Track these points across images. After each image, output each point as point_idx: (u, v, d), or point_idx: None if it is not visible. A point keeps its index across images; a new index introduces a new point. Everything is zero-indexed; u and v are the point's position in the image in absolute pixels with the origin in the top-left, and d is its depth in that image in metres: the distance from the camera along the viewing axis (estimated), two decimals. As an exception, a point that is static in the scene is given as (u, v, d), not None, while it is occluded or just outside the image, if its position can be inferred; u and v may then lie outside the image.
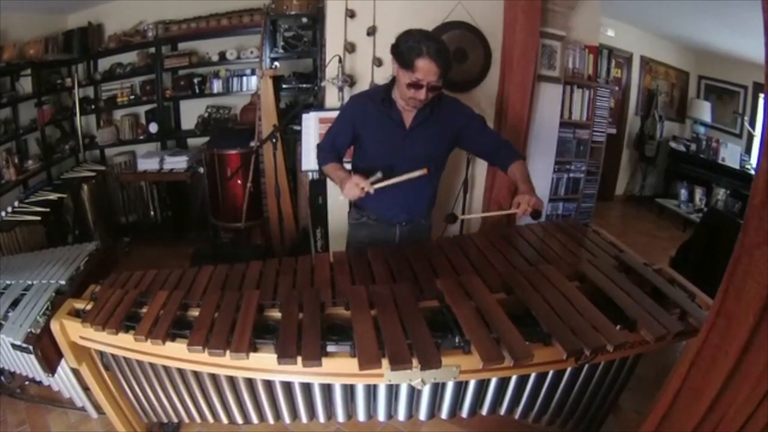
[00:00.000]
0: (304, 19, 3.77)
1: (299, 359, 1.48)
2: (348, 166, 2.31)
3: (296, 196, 3.91)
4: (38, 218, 3.41)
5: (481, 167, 3.62)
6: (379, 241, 2.27)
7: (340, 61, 3.27)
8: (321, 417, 1.82)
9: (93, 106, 4.60)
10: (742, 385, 1.21)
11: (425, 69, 1.91)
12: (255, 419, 1.88)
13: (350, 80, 3.35)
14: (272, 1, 3.84)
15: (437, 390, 1.75)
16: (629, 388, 2.03)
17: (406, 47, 1.92)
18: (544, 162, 3.77)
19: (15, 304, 2.14)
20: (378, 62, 3.33)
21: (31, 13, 3.96)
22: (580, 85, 3.77)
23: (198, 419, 1.98)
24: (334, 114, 3.30)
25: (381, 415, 1.80)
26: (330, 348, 1.58)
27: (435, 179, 2.33)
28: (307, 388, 1.75)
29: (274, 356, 1.51)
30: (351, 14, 3.25)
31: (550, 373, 1.78)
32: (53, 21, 4.27)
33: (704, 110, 5.85)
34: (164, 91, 4.67)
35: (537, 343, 1.56)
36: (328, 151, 2.27)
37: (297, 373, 1.58)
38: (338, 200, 3.02)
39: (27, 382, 2.60)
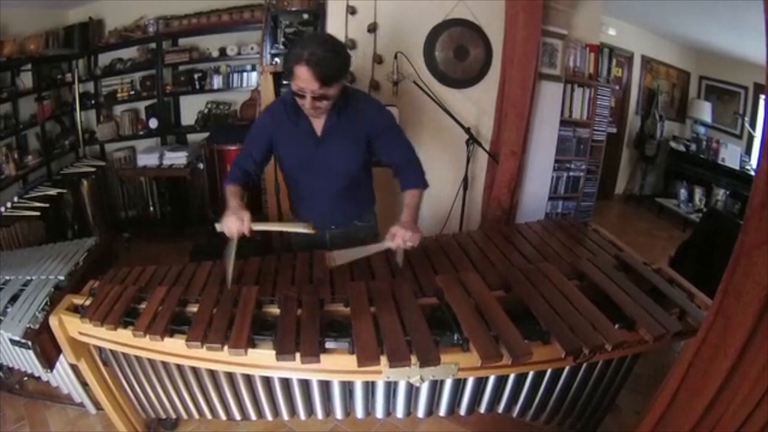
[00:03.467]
0: (305, 16, 3.76)
1: (298, 356, 1.48)
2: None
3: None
4: (38, 213, 3.41)
5: (480, 165, 3.62)
6: (313, 245, 2.18)
7: (340, 58, 3.26)
8: (319, 414, 1.82)
9: (93, 102, 4.59)
10: (741, 385, 1.22)
11: (302, 76, 1.77)
12: (253, 415, 1.88)
13: (350, 77, 3.35)
14: (273, -3, 3.83)
15: (435, 387, 1.75)
16: (627, 387, 2.04)
17: (290, 53, 1.81)
18: (544, 160, 3.77)
19: (14, 299, 2.14)
20: (379, 59, 3.33)
21: (32, 7, 3.95)
22: (581, 83, 3.76)
23: (196, 415, 1.98)
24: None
25: (379, 412, 1.80)
26: (329, 344, 1.58)
27: (360, 186, 2.23)
28: (305, 384, 1.75)
29: (273, 352, 1.51)
30: (352, 11, 3.25)
31: (549, 371, 1.78)
32: (54, 16, 4.25)
33: (705, 110, 5.84)
34: (164, 87, 4.65)
35: (536, 341, 1.56)
36: (241, 161, 2.11)
37: (295, 369, 1.58)
38: None
39: (26, 378, 2.59)
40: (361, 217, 2.30)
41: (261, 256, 2.14)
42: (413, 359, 1.46)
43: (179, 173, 4.33)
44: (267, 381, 1.76)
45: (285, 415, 1.84)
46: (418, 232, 1.88)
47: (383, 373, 1.53)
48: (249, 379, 1.77)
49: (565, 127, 3.78)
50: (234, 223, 1.84)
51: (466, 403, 1.81)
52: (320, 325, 1.59)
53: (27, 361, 2.10)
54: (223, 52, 4.58)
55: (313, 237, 2.14)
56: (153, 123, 4.71)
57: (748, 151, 5.43)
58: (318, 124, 2.03)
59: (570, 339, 1.51)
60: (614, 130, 5.77)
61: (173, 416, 2.10)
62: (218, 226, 1.88)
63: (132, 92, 4.68)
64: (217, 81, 4.71)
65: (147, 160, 4.34)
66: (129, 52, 4.58)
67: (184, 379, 1.85)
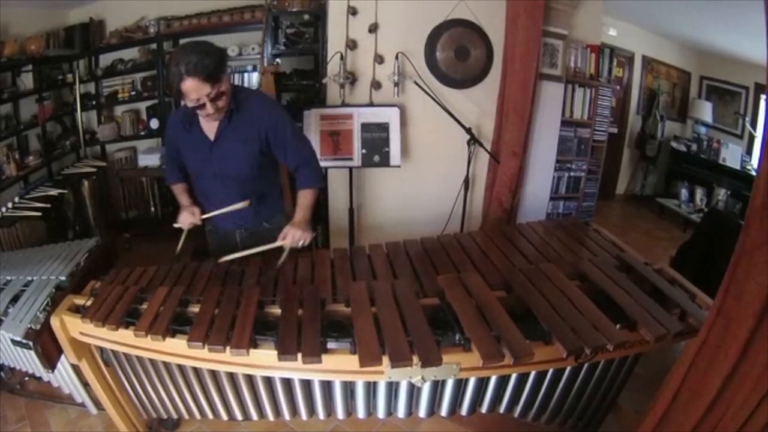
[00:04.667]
0: (306, 16, 3.76)
1: (299, 356, 1.48)
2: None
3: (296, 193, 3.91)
4: (39, 214, 3.41)
5: (481, 165, 3.62)
6: (225, 248, 2.19)
7: (341, 58, 3.27)
8: (321, 414, 1.82)
9: (94, 102, 4.59)
10: (742, 385, 1.21)
11: (192, 87, 1.81)
12: (254, 416, 1.88)
13: (352, 77, 3.35)
14: (274, -2, 3.83)
15: (437, 388, 1.75)
16: (628, 387, 2.03)
17: (171, 76, 1.85)
18: (545, 160, 3.77)
19: (15, 299, 2.13)
20: (380, 59, 3.33)
21: (33, 8, 3.95)
22: (582, 83, 3.76)
23: (198, 415, 1.98)
24: (335, 111, 3.32)
25: (380, 413, 1.80)
26: (330, 345, 1.58)
27: (261, 187, 2.22)
28: (307, 384, 1.75)
29: (275, 353, 1.52)
30: (353, 11, 3.25)
31: (550, 371, 1.78)
32: (55, 16, 4.25)
33: (705, 110, 5.84)
34: (165, 87, 4.65)
35: (537, 341, 1.56)
36: (169, 165, 2.36)
37: (297, 369, 1.59)
38: (338, 196, 3.02)
39: (27, 378, 2.60)
40: (269, 220, 2.30)
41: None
42: (415, 359, 1.46)
43: (180, 173, 4.33)
44: (269, 381, 1.76)
45: (287, 415, 1.85)
46: (309, 232, 2.06)
47: (385, 373, 1.54)
48: (251, 379, 1.77)
49: (566, 127, 3.79)
50: (187, 218, 2.21)
51: (467, 404, 1.81)
52: (322, 325, 1.60)
53: (28, 361, 2.10)
54: (223, 52, 4.57)
55: (225, 239, 2.25)
56: (154, 123, 4.70)
57: (749, 151, 5.43)
58: (211, 129, 2.06)
59: (571, 339, 1.51)
60: (615, 130, 5.77)
61: (174, 416, 2.11)
62: (176, 225, 2.26)
63: (133, 93, 4.67)
64: (218, 81, 4.69)
65: (148, 160, 4.34)
66: (130, 53, 4.58)
67: (185, 379, 1.85)
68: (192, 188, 2.33)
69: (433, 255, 2.12)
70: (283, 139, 2.09)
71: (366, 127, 3.33)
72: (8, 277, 2.28)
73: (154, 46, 4.53)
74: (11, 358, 2.16)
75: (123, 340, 1.73)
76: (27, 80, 3.86)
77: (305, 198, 2.13)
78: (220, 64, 1.84)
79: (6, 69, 3.70)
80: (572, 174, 3.95)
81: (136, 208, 4.73)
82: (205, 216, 2.19)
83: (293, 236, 2.01)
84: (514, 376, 1.77)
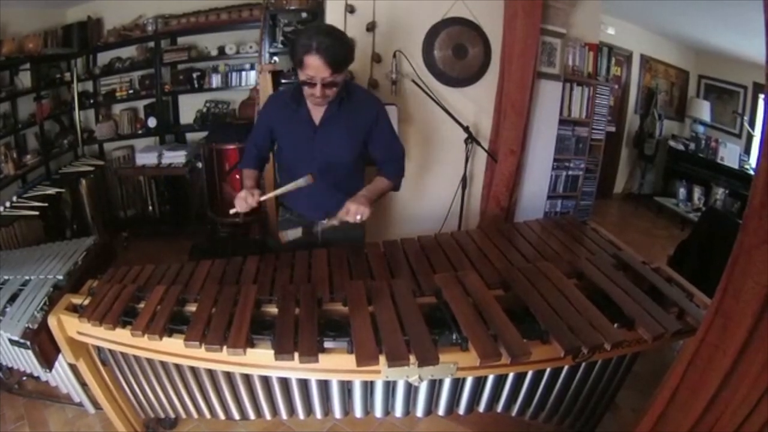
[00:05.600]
0: (304, 14, 3.76)
1: (296, 355, 1.48)
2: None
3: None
4: (36, 213, 3.40)
5: (479, 163, 3.62)
6: (302, 240, 2.19)
7: (339, 56, 3.26)
8: (318, 413, 1.82)
9: (92, 101, 4.58)
10: (740, 384, 1.22)
11: (314, 65, 1.84)
12: (252, 415, 1.88)
13: (349, 76, 3.34)
14: (272, -4, 3.83)
15: (434, 387, 1.75)
16: (626, 386, 2.04)
17: (297, 45, 1.87)
18: (543, 159, 3.77)
19: (13, 299, 2.13)
20: (377, 58, 3.33)
21: (31, 7, 3.93)
22: (580, 82, 3.76)
23: (195, 415, 1.98)
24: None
25: (378, 412, 1.80)
26: (327, 344, 1.58)
27: (353, 177, 2.23)
28: (304, 383, 1.75)
29: (271, 352, 1.51)
30: (351, 9, 3.24)
31: (548, 370, 1.78)
32: (52, 15, 4.24)
33: (704, 109, 5.84)
34: (163, 86, 4.64)
35: (534, 340, 1.56)
36: (249, 150, 2.30)
37: (294, 369, 1.58)
38: None
39: (25, 378, 2.59)
40: None
41: (260, 255, 2.14)
42: (412, 359, 1.46)
43: (178, 172, 4.33)
44: (266, 380, 1.76)
45: (284, 414, 1.84)
46: (368, 207, 1.98)
47: (382, 372, 1.53)
48: (248, 379, 1.77)
49: (564, 126, 3.79)
50: (243, 200, 2.01)
51: (464, 403, 1.81)
52: (319, 324, 1.59)
53: (26, 360, 2.10)
54: (221, 50, 4.57)
55: (304, 234, 2.18)
56: (152, 122, 4.70)
57: (747, 150, 5.43)
58: (317, 114, 2.08)
59: (569, 338, 1.50)
60: (613, 129, 5.77)
61: (172, 416, 2.10)
62: (232, 210, 2.04)
63: (131, 91, 4.67)
64: (215, 80, 4.70)
65: (146, 159, 4.33)
66: (128, 51, 4.57)
67: (182, 379, 1.85)
68: (257, 177, 2.26)
69: (431, 253, 2.12)
70: (384, 132, 2.16)
71: (364, 125, 3.33)
72: (6, 277, 2.28)
73: (151, 44, 4.53)
74: (9, 358, 2.16)
75: (120, 339, 1.72)
76: (25, 79, 3.85)
77: (379, 182, 2.17)
78: (347, 58, 1.91)
79: (4, 68, 3.70)
80: (570, 173, 3.95)
81: (133, 207, 4.73)
82: (263, 197, 2.03)
83: (355, 211, 1.94)
84: (511, 375, 1.77)
